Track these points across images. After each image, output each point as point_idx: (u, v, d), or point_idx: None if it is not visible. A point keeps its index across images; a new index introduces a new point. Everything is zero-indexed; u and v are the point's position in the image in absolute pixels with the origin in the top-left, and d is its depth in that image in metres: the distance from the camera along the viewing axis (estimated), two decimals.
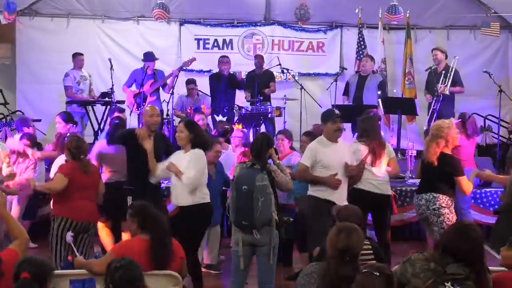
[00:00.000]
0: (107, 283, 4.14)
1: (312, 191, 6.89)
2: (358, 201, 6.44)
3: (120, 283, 4.07)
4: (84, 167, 6.77)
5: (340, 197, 6.76)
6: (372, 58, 11.77)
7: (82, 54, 11.60)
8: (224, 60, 11.83)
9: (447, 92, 10.68)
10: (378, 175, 7.21)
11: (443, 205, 6.90)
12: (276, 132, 11.14)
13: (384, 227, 7.29)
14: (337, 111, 7.05)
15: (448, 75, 10.78)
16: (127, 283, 4.09)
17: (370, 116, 7.89)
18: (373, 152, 7.24)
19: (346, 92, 11.61)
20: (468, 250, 4.13)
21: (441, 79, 10.80)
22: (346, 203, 6.69)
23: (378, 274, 3.81)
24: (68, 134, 8.11)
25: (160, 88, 11.47)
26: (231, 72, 12.01)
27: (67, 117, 9.20)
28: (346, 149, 7.01)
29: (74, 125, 9.38)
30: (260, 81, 11.65)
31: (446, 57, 11.16)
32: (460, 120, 8.79)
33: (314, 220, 6.77)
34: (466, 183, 7.02)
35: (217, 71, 11.97)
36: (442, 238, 4.35)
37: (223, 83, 11.65)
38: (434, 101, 10.82)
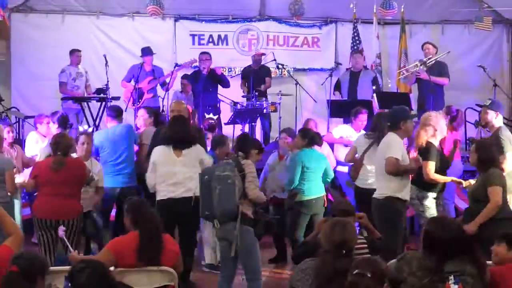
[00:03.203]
0: None
1: (393, 191, 6.65)
2: (357, 197, 6.52)
3: (89, 284, 3.94)
4: (54, 164, 6.72)
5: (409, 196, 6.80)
6: (362, 54, 11.82)
7: (79, 51, 11.57)
8: (203, 58, 11.45)
9: (421, 72, 10.85)
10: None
11: (412, 196, 6.95)
12: (277, 129, 11.22)
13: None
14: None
15: (430, 61, 11.01)
16: (96, 283, 3.95)
17: (382, 113, 7.90)
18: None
19: (337, 89, 11.59)
20: (447, 244, 4.15)
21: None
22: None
23: (369, 275, 3.80)
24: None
25: (158, 85, 11.47)
26: (212, 68, 11.73)
27: (63, 122, 9.02)
28: None
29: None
30: (255, 76, 11.66)
31: (437, 51, 11.21)
32: (448, 115, 8.82)
33: (398, 222, 6.63)
34: (430, 168, 6.97)
35: (196, 70, 11.72)
36: (423, 236, 4.36)
37: (201, 83, 11.28)
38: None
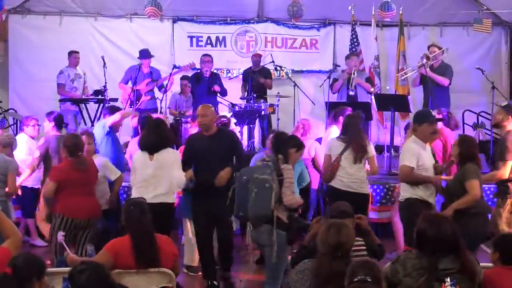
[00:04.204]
0: None
1: (416, 193, 6.66)
2: (333, 199, 6.48)
3: (89, 285, 3.97)
4: (79, 164, 6.86)
5: (433, 199, 6.73)
6: (357, 56, 11.81)
7: (77, 52, 11.55)
8: (205, 59, 11.47)
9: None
10: (354, 173, 7.24)
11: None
12: (270, 129, 11.19)
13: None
14: (434, 113, 6.87)
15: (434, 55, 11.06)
16: (96, 284, 3.99)
17: (352, 114, 7.83)
18: (354, 150, 7.25)
19: (332, 86, 11.54)
20: (439, 241, 4.15)
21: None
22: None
23: (370, 279, 3.78)
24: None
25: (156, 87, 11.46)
26: (213, 71, 11.76)
27: (59, 121, 8.88)
28: (428, 149, 6.93)
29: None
30: (255, 79, 11.65)
31: (443, 52, 11.22)
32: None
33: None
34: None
35: (198, 72, 11.69)
36: (415, 235, 4.35)
37: (205, 84, 11.31)
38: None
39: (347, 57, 11.69)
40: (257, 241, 6.21)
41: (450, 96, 11.19)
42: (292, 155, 6.36)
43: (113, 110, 8.81)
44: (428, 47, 11.42)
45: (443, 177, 6.96)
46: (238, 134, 10.91)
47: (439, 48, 11.25)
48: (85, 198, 6.90)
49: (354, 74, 11.21)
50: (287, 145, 6.40)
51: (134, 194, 6.90)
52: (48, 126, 8.62)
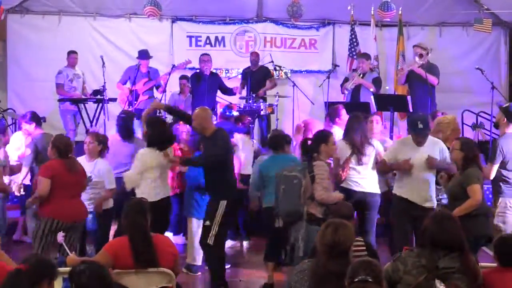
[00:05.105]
0: None
1: (394, 189, 7.04)
2: (346, 200, 6.51)
3: (90, 285, 4.00)
4: (70, 165, 6.73)
5: (421, 198, 6.83)
6: (368, 57, 11.74)
7: (76, 53, 11.52)
8: (205, 59, 11.45)
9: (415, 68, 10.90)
10: (365, 174, 7.23)
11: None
12: (271, 129, 11.18)
13: (366, 227, 7.16)
14: (420, 125, 6.83)
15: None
16: (97, 284, 4.02)
17: (353, 115, 7.83)
18: (360, 151, 7.24)
19: (345, 81, 11.52)
20: (442, 240, 4.16)
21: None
22: (429, 204, 6.82)
23: (371, 279, 3.76)
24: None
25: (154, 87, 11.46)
26: (213, 71, 11.77)
27: (36, 118, 8.73)
28: (435, 147, 6.96)
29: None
30: (254, 78, 11.64)
31: (427, 52, 11.15)
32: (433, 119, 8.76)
33: (396, 220, 6.94)
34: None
35: (198, 71, 11.66)
36: (421, 232, 4.36)
37: (205, 83, 11.28)
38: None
39: (357, 57, 11.70)
40: (297, 239, 6.20)
41: (435, 95, 11.12)
42: (323, 149, 6.44)
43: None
44: (413, 47, 11.39)
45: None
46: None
47: (424, 49, 11.17)
48: (72, 201, 6.73)
49: (359, 75, 11.21)
50: (314, 147, 6.47)
51: (158, 191, 6.95)
52: (31, 128, 8.55)
